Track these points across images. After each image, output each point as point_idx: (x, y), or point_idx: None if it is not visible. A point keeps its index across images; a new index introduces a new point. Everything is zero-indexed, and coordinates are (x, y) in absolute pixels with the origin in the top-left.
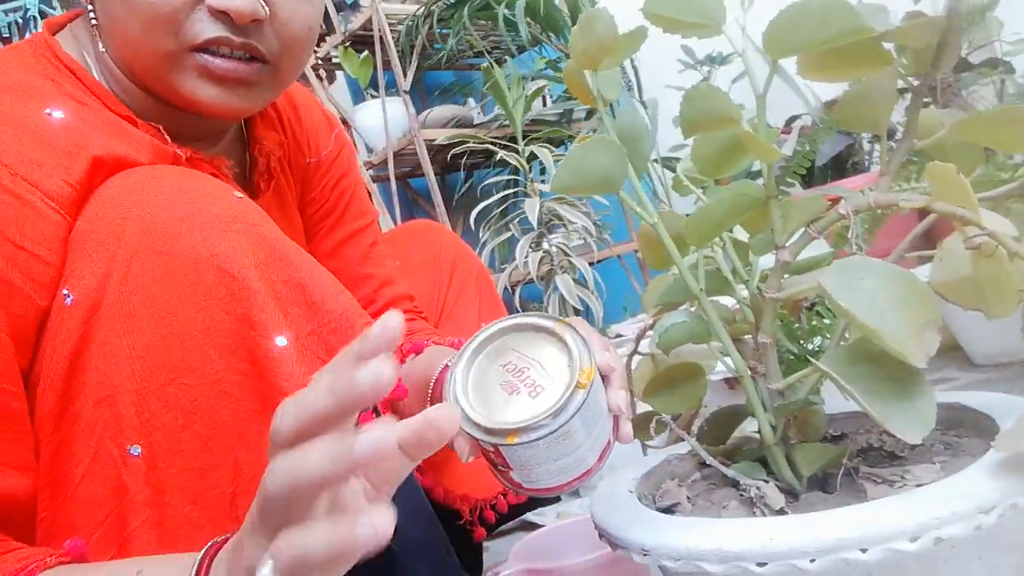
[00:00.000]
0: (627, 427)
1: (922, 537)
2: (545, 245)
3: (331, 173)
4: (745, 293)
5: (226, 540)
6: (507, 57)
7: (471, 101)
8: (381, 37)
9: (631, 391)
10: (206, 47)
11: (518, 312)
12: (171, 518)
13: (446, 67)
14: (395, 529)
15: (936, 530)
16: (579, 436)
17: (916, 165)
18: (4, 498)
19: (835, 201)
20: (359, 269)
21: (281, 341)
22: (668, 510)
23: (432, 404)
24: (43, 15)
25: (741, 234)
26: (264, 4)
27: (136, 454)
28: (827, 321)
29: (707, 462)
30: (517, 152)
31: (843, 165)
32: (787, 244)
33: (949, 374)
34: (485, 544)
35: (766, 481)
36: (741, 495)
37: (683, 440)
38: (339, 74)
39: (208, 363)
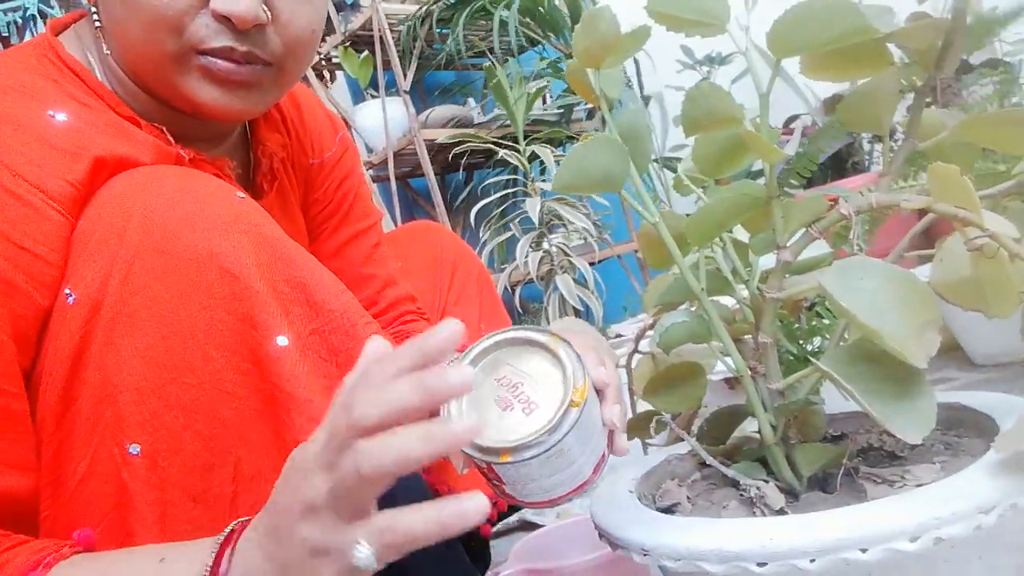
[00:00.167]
0: (622, 440)
1: (922, 537)
2: (545, 245)
3: (335, 174)
4: (745, 293)
5: (239, 529)
6: (508, 57)
7: (471, 101)
8: (381, 37)
9: (631, 390)
10: (210, 53)
11: (518, 312)
12: (172, 516)
13: (446, 67)
14: None
15: (936, 530)
16: (573, 452)
17: (916, 165)
18: (6, 498)
19: (835, 201)
20: (362, 270)
21: (282, 341)
22: (668, 510)
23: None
24: (42, 15)
25: (741, 234)
26: (265, 8)
27: (136, 453)
28: (827, 321)
29: (707, 462)
30: (518, 152)
31: (843, 165)
32: (788, 244)
33: (949, 374)
34: None
35: (766, 481)
36: (741, 495)
37: (683, 440)
38: (339, 74)
39: (209, 362)
